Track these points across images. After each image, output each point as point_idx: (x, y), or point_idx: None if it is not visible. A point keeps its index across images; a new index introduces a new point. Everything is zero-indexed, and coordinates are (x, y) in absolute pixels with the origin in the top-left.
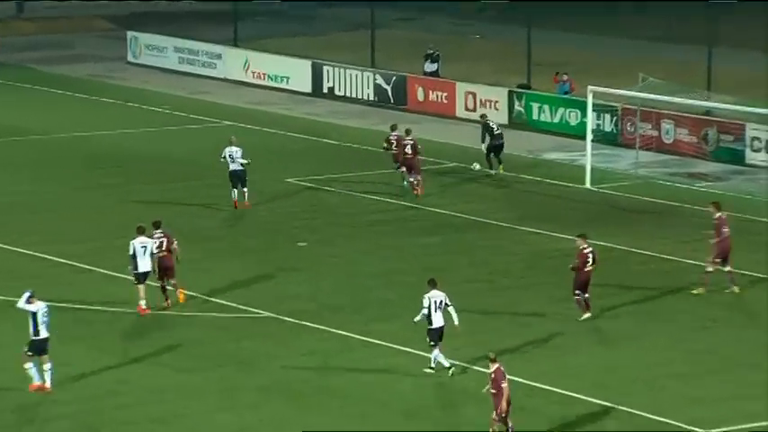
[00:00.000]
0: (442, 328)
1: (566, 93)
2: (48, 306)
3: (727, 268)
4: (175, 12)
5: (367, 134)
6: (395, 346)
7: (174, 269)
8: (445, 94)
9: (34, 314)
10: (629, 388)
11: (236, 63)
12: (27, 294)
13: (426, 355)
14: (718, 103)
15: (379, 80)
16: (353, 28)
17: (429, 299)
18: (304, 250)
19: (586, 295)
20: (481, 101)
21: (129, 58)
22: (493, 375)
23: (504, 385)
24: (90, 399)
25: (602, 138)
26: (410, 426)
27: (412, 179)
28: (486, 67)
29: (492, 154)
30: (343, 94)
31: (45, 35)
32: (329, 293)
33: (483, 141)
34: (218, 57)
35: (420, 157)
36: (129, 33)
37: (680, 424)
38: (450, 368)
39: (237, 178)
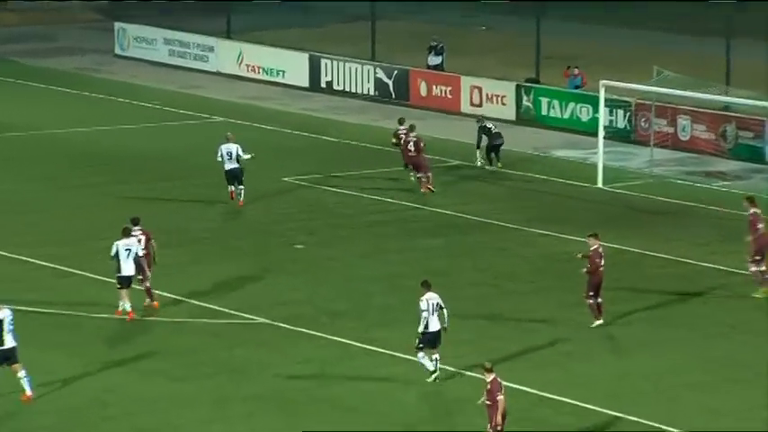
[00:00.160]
0: (438, 332)
1: (577, 87)
2: (13, 313)
3: (762, 267)
4: (165, 2)
5: (367, 131)
6: (397, 354)
7: (150, 269)
8: (449, 88)
9: (0, 321)
10: (643, 398)
11: (229, 56)
12: None
13: (426, 362)
14: (737, 97)
15: (380, 74)
16: (353, 19)
17: (427, 302)
18: (301, 252)
19: (599, 300)
20: (487, 96)
21: (117, 50)
22: (489, 386)
23: (500, 397)
24: (74, 409)
25: (614, 134)
26: None
27: (420, 176)
28: (492, 60)
29: (492, 153)
30: (341, 88)
31: (29, 26)
32: (327, 298)
33: (479, 145)
34: (211, 49)
35: (425, 155)
36: (117, 24)
37: None
38: (434, 372)
39: (234, 177)
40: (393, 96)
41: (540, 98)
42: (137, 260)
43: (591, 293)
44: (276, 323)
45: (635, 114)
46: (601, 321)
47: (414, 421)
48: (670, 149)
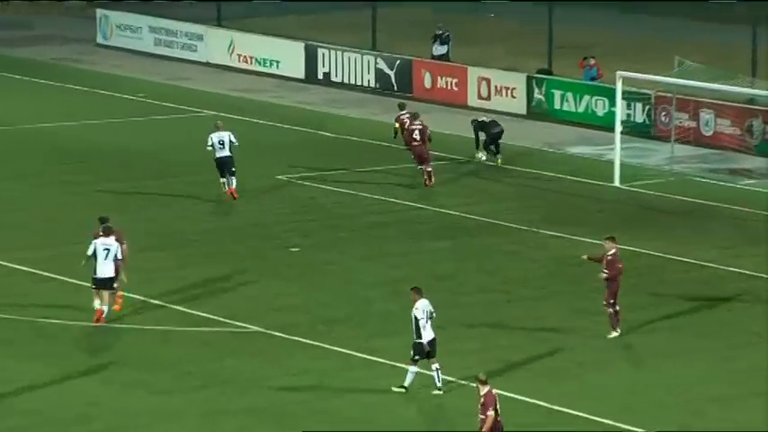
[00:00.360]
0: (434, 340)
1: (592, 79)
2: None
3: None
4: None
5: (367, 125)
6: (399, 364)
7: (119, 271)
8: (456, 80)
9: None
10: (662, 412)
11: (219, 45)
12: None
13: (432, 374)
14: (765, 90)
15: (381, 64)
16: (352, 6)
17: (423, 310)
18: (296, 256)
19: (617, 308)
20: (496, 88)
21: (99, 39)
22: (482, 400)
23: (490, 413)
24: (55, 424)
25: (632, 129)
26: None
27: (421, 168)
28: (501, 49)
29: (491, 146)
30: (340, 80)
31: (3, 14)
32: (324, 305)
33: (478, 144)
34: (200, 38)
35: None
36: (99, 12)
37: None
38: (404, 389)
39: (224, 165)
40: (395, 88)
41: (553, 91)
42: (116, 263)
43: (612, 301)
44: (270, 332)
45: (654, 108)
46: (617, 334)
47: None
48: (692, 146)
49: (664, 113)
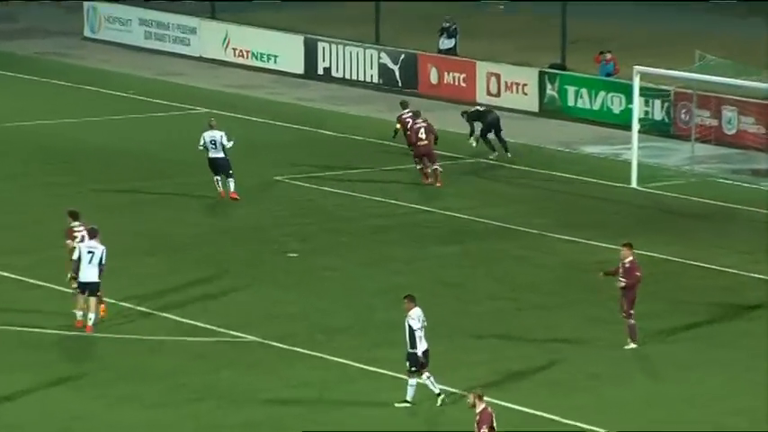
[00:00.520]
0: (427, 351)
1: (608, 74)
2: None
3: None
4: None
5: (370, 123)
6: (402, 376)
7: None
8: (463, 75)
9: None
10: (682, 427)
11: (213, 38)
12: None
13: (426, 383)
14: None
15: (385, 59)
16: None
17: (419, 319)
18: (294, 261)
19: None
20: (506, 84)
21: (87, 32)
22: (477, 417)
23: (484, 431)
24: None
25: (650, 128)
26: None
27: (421, 168)
28: (512, 43)
29: (492, 132)
30: (341, 75)
31: None
32: (324, 313)
33: (472, 133)
34: (193, 31)
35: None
36: (87, 3)
37: None
38: (409, 403)
39: (219, 167)
40: (399, 84)
41: (567, 87)
42: (101, 268)
43: (631, 311)
44: (267, 341)
45: (674, 105)
46: (635, 345)
47: None
48: (713, 145)
49: (684, 111)
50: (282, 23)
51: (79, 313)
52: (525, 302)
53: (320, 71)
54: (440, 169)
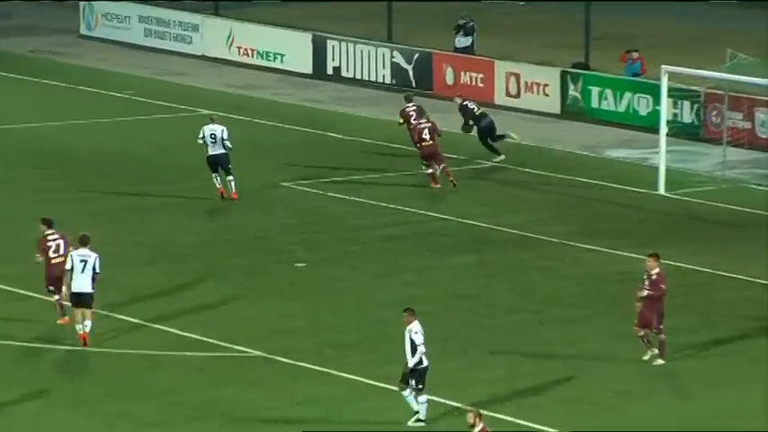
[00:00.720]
0: (427, 368)
1: (635, 74)
2: None
3: None
4: None
5: (381, 125)
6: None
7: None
8: (481, 75)
9: None
10: None
11: (216, 36)
12: None
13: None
14: None
15: (398, 58)
16: None
17: (421, 334)
18: (302, 272)
19: (643, 334)
20: (526, 84)
21: (83, 30)
22: None
23: None
24: None
25: (679, 131)
26: None
27: (433, 170)
28: (532, 41)
29: (489, 139)
30: (351, 75)
31: None
32: (334, 327)
33: (466, 128)
34: (195, 28)
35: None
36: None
37: None
38: (423, 422)
39: (218, 164)
40: (413, 85)
41: (590, 87)
42: (95, 277)
43: (661, 326)
44: (273, 357)
45: (704, 107)
46: (663, 362)
47: None
48: (746, 149)
49: (714, 113)
50: (290, 20)
51: (79, 326)
52: (546, 315)
53: (329, 71)
54: (436, 172)
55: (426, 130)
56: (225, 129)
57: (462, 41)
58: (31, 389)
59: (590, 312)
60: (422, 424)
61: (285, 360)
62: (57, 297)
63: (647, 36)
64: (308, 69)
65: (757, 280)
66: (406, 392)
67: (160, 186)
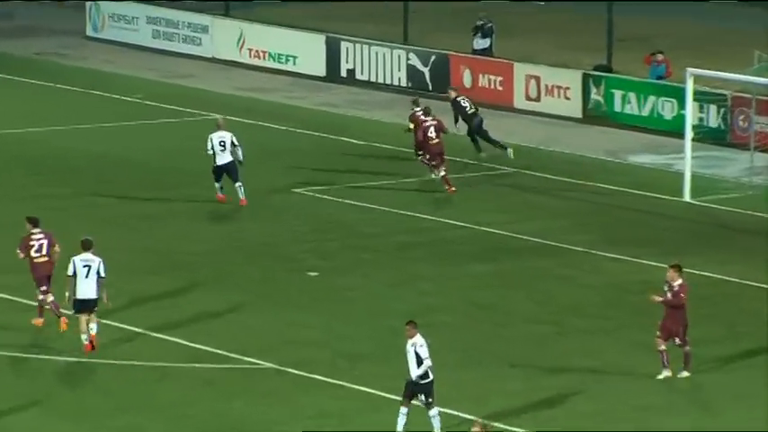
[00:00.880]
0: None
1: (659, 77)
2: None
3: None
4: None
5: (397, 130)
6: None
7: (50, 281)
8: (500, 78)
9: None
10: None
11: (227, 38)
12: None
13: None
14: None
15: (414, 60)
16: None
17: (426, 347)
18: (313, 281)
19: (662, 348)
20: (547, 87)
21: (89, 31)
22: None
23: None
24: None
25: (705, 136)
26: None
27: (443, 173)
28: (553, 43)
29: (477, 135)
30: (366, 78)
31: None
32: (347, 338)
33: (457, 124)
34: (205, 30)
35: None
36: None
37: None
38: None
39: (225, 173)
40: (429, 88)
41: (613, 90)
42: (99, 282)
43: (686, 338)
44: (284, 368)
45: (731, 111)
46: (688, 374)
47: None
48: None
49: (742, 117)
50: (302, 21)
51: (84, 335)
52: (566, 326)
53: (343, 73)
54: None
55: (432, 128)
56: (233, 134)
57: (480, 43)
58: (32, 401)
59: (611, 323)
60: None
61: (296, 372)
62: (41, 297)
63: (672, 36)
64: (321, 72)
65: None
66: (404, 410)
67: (167, 192)
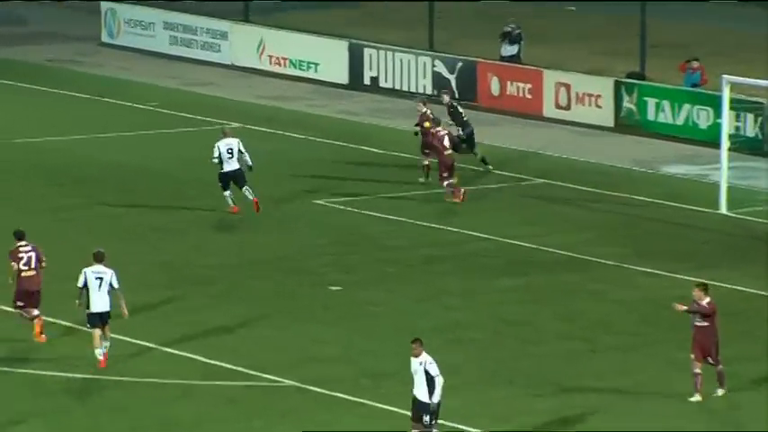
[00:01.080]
0: (440, 404)
1: (694, 85)
2: None
3: None
4: None
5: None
6: (459, 426)
7: (40, 295)
8: (529, 86)
9: None
10: None
11: (246, 44)
12: None
13: None
14: None
15: (440, 67)
16: None
17: (436, 364)
18: (336, 296)
19: (695, 368)
20: (578, 95)
21: (104, 37)
22: None
23: None
24: None
25: (742, 145)
26: None
27: (453, 180)
28: (584, 49)
29: (465, 145)
30: (390, 85)
31: None
32: (370, 355)
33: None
34: (223, 36)
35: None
36: (104, 4)
37: None
38: None
39: (233, 180)
40: (456, 96)
41: (646, 98)
42: (111, 294)
43: (718, 357)
44: (305, 386)
45: None
46: (723, 391)
47: None
48: None
49: None
50: (324, 27)
51: (98, 351)
52: (599, 343)
53: (366, 81)
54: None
55: (446, 138)
56: (239, 141)
57: (509, 50)
58: (48, 422)
59: (645, 340)
60: None
61: (318, 390)
62: (23, 313)
63: (707, 43)
64: (344, 79)
65: None
66: None
67: (183, 203)
